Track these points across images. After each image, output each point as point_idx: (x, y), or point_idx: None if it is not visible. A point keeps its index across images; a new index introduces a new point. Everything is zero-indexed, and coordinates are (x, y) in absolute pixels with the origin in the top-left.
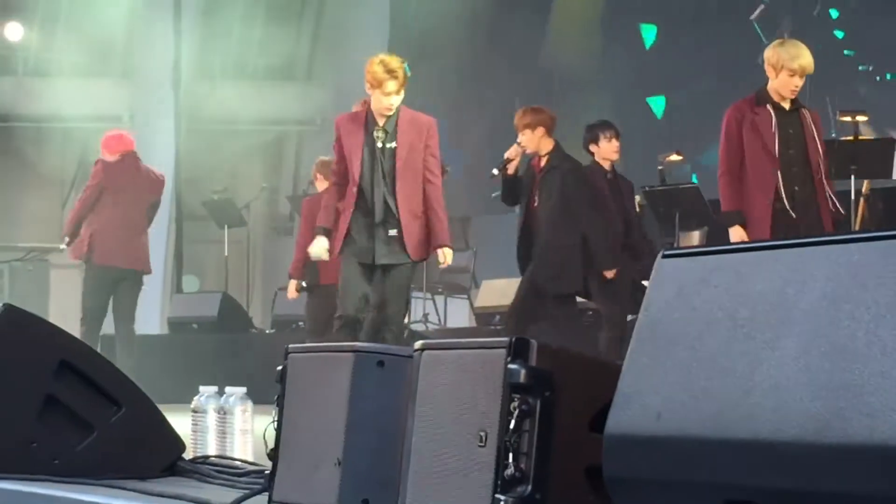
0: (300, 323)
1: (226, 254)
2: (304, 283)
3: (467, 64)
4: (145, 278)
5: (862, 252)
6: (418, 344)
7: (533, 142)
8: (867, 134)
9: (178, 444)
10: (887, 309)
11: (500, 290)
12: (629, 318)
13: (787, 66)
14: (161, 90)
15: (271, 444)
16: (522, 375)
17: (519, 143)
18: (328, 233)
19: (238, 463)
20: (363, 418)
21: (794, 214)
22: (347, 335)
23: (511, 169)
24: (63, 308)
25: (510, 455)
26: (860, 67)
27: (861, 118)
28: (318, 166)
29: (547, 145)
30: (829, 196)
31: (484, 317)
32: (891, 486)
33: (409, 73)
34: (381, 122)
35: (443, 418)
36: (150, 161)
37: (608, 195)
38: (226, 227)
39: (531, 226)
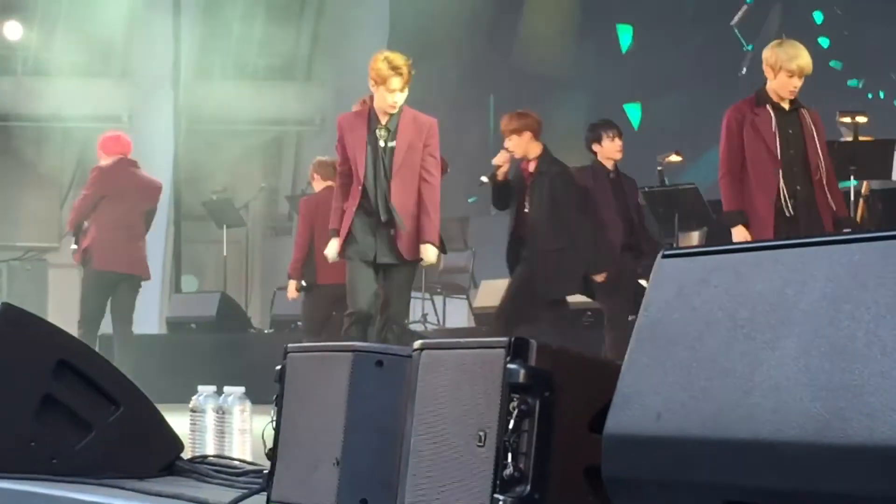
0: (299, 323)
1: (224, 254)
2: (303, 283)
3: (468, 64)
4: (144, 282)
5: (862, 252)
6: (417, 344)
7: (521, 146)
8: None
9: (177, 444)
10: (887, 309)
11: (499, 291)
12: (629, 318)
13: (786, 66)
14: (160, 90)
15: (270, 444)
16: (522, 375)
17: (506, 149)
18: (339, 233)
19: (236, 463)
20: (362, 418)
21: (794, 214)
22: (359, 331)
23: (500, 175)
24: (61, 307)
25: (509, 455)
26: (850, 83)
27: (861, 119)
28: (315, 166)
29: (535, 149)
30: (829, 197)
31: (483, 317)
32: (891, 486)
33: (413, 72)
34: (383, 120)
35: (442, 418)
36: (150, 161)
37: (609, 196)
38: (224, 227)
39: (522, 230)
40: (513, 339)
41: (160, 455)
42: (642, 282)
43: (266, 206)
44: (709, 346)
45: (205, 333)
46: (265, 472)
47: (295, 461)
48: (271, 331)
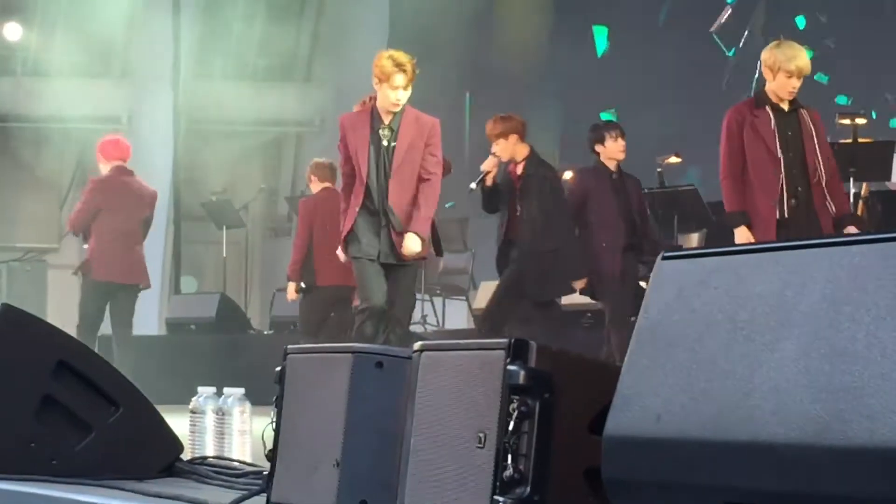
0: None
1: (224, 255)
2: (302, 285)
3: (468, 64)
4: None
5: (862, 254)
6: (417, 345)
7: (507, 150)
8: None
9: (177, 445)
10: (887, 311)
11: None
12: (631, 319)
13: (784, 67)
14: (160, 91)
15: (270, 445)
16: (522, 377)
17: (494, 154)
18: None
19: (236, 464)
20: (362, 419)
21: (792, 217)
22: (373, 327)
23: (489, 180)
24: (61, 308)
25: (509, 456)
26: (839, 100)
27: (860, 121)
28: (312, 168)
29: (522, 151)
30: (828, 199)
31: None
32: (891, 488)
33: (417, 71)
34: (386, 120)
35: (441, 420)
36: (149, 162)
37: (610, 197)
38: (224, 227)
39: (513, 233)
40: (513, 341)
41: (160, 456)
42: (643, 284)
43: (265, 207)
44: (709, 347)
45: (204, 334)
46: (265, 473)
47: (295, 462)
48: (271, 332)
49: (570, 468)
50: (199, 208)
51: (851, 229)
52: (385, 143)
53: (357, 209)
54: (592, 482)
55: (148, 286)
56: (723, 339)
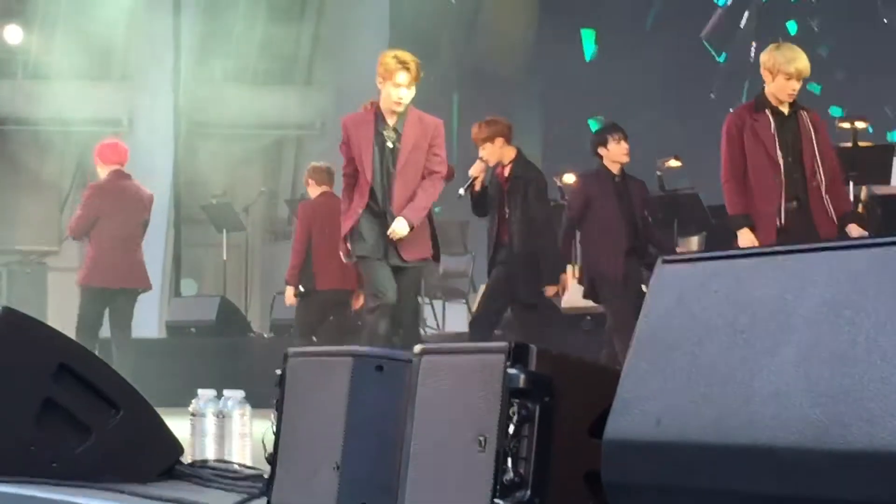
0: None
1: (224, 258)
2: (301, 289)
3: (455, 65)
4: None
5: (861, 259)
6: (417, 348)
7: (494, 154)
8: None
9: (177, 448)
10: (887, 315)
11: None
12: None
13: (784, 69)
14: (160, 94)
15: (270, 448)
16: (522, 380)
17: (481, 158)
18: None
19: (236, 467)
20: (362, 423)
21: (795, 222)
22: (388, 324)
23: (477, 185)
24: (61, 311)
25: (509, 460)
26: (832, 111)
27: (860, 124)
28: (310, 172)
29: (509, 154)
30: (828, 204)
31: None
32: (891, 491)
33: (421, 73)
34: (390, 121)
35: (442, 423)
36: (150, 165)
37: (613, 201)
38: (224, 231)
39: (502, 235)
40: (513, 345)
41: (160, 459)
42: (646, 288)
43: (266, 210)
44: (709, 351)
45: (204, 337)
46: (265, 476)
47: (295, 465)
48: (271, 335)
49: (570, 472)
50: (199, 211)
51: (853, 227)
52: (389, 144)
53: (360, 210)
54: (592, 486)
55: (149, 288)
56: (723, 343)
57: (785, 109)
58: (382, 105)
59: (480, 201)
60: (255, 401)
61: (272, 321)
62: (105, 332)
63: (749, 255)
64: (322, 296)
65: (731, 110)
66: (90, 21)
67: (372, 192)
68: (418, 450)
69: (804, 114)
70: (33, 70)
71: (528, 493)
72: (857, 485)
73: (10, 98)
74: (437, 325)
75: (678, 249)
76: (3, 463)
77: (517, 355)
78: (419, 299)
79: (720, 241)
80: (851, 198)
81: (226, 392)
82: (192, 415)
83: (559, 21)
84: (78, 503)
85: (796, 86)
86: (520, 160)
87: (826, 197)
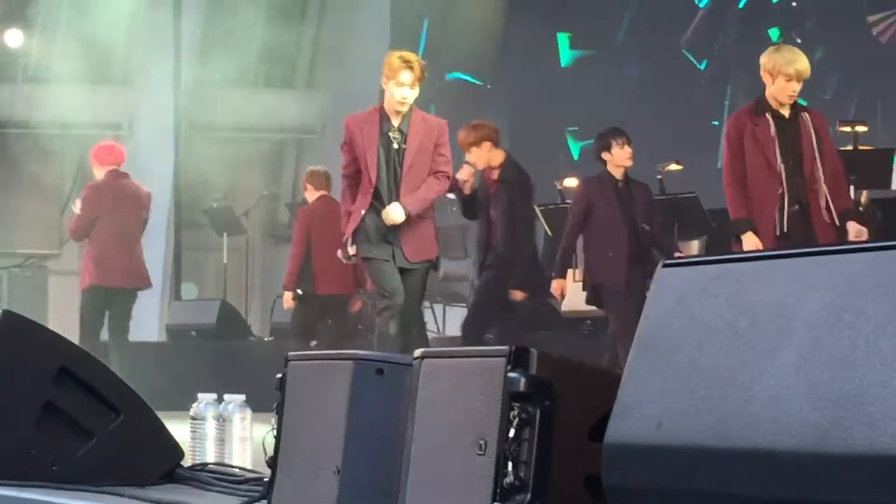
0: None
1: (225, 261)
2: (300, 292)
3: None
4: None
5: (861, 262)
6: (418, 352)
7: (482, 158)
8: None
9: (177, 452)
10: (887, 319)
11: None
12: None
13: (784, 71)
14: (161, 97)
15: (270, 452)
16: (522, 384)
17: (468, 163)
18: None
19: (237, 470)
20: (363, 426)
21: (796, 228)
22: (397, 324)
23: (467, 189)
24: (62, 314)
25: (509, 464)
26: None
27: (860, 128)
28: (308, 176)
29: (497, 157)
30: (829, 205)
31: None
32: (891, 495)
33: (426, 74)
34: (395, 122)
35: (442, 427)
36: (150, 168)
37: (614, 207)
38: (225, 234)
39: (489, 239)
40: (513, 348)
41: (160, 462)
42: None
43: (266, 214)
44: (709, 355)
45: (205, 341)
46: (266, 480)
47: (295, 469)
48: (271, 338)
49: (570, 475)
50: (199, 215)
51: (851, 225)
52: (395, 144)
53: (363, 210)
54: (593, 489)
55: (149, 286)
56: (723, 347)
57: (786, 112)
58: (386, 105)
59: (470, 205)
60: (256, 404)
61: (272, 325)
62: (103, 334)
63: (749, 258)
64: (321, 300)
65: (723, 118)
66: (91, 24)
67: (377, 193)
68: (419, 453)
69: (806, 115)
70: (34, 73)
71: (529, 496)
72: (857, 488)
73: (10, 102)
74: (438, 328)
75: (677, 253)
76: (3, 466)
77: (518, 359)
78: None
79: (721, 245)
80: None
81: (226, 396)
82: (193, 418)
83: (530, 24)
84: None
85: (796, 87)
86: (508, 163)
87: (827, 200)
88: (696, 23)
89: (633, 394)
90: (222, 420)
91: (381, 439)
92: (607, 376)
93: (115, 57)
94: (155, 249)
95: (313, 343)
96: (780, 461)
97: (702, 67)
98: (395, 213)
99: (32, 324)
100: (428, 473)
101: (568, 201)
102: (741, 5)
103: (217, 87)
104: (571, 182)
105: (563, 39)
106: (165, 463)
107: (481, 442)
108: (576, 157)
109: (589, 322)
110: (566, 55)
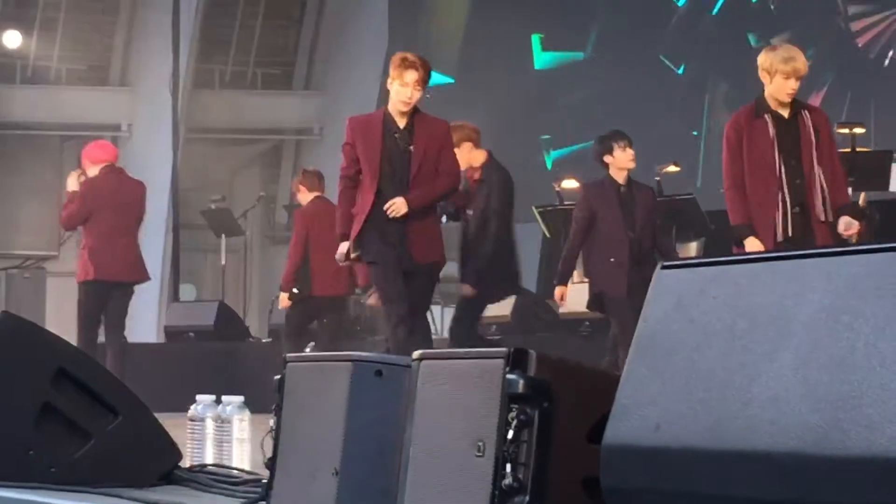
0: None
1: (223, 263)
2: (296, 291)
3: (466, 69)
4: (144, 285)
5: (860, 264)
6: (417, 354)
7: (462, 159)
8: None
9: (176, 453)
10: (886, 321)
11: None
12: None
13: (781, 69)
14: (159, 99)
15: (269, 453)
16: (521, 386)
17: None
18: (348, 238)
19: (235, 472)
20: (361, 428)
21: (796, 231)
22: (406, 332)
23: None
24: (60, 315)
25: (508, 465)
26: None
27: (858, 130)
28: (302, 178)
29: (478, 157)
30: (828, 204)
31: (481, 327)
32: (890, 497)
33: (430, 75)
34: (400, 123)
35: (441, 428)
36: (149, 170)
37: (616, 211)
38: (223, 235)
39: (468, 239)
40: (512, 350)
41: (159, 464)
42: None
43: (264, 215)
44: (707, 357)
45: (203, 342)
46: (264, 481)
47: (294, 471)
48: (269, 340)
49: (568, 477)
50: (198, 216)
51: (843, 220)
52: (401, 146)
53: (366, 214)
54: (591, 491)
55: (147, 279)
56: (721, 349)
57: (785, 112)
58: (391, 105)
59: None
60: (254, 405)
61: (270, 326)
62: (101, 334)
63: (748, 260)
64: (317, 301)
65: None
66: (89, 26)
67: (382, 194)
68: (417, 455)
69: (806, 114)
70: (32, 75)
71: (527, 498)
72: (855, 490)
73: (8, 103)
74: (436, 329)
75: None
76: (1, 467)
77: (516, 360)
78: None
79: (719, 247)
80: None
81: (224, 397)
82: (191, 420)
83: (498, 23)
84: None
85: (795, 85)
86: (490, 163)
87: (825, 198)
88: (672, 24)
89: (632, 395)
90: (221, 421)
91: (379, 441)
92: (606, 378)
93: (114, 58)
94: (153, 250)
95: (310, 344)
96: (778, 463)
97: (680, 72)
98: (398, 203)
99: (30, 325)
100: (426, 475)
101: (566, 203)
102: (715, 11)
103: (215, 89)
104: (570, 183)
105: (535, 40)
106: (164, 464)
107: (480, 443)
108: (549, 166)
109: (587, 323)
110: (539, 57)
